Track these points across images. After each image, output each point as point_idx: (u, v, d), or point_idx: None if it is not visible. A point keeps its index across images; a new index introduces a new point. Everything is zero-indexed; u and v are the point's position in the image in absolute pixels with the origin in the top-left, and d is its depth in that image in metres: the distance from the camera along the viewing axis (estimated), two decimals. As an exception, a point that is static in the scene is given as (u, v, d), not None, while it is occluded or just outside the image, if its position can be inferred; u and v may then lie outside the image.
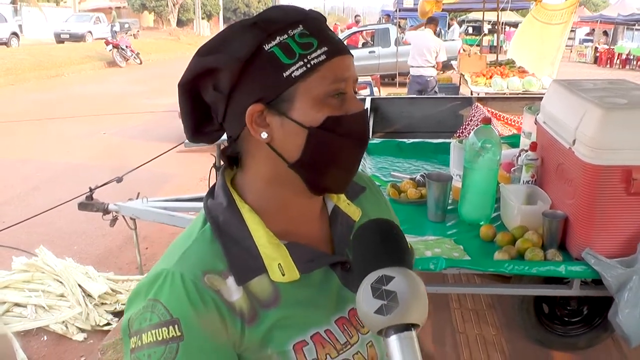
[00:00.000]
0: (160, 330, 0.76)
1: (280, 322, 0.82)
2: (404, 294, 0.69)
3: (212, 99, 0.82)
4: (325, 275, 0.88)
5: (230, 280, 0.80)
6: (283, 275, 0.83)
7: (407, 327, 0.69)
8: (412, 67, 8.42)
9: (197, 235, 0.84)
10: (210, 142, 0.89)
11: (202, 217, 0.86)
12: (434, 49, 8.12)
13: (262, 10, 0.84)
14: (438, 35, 11.15)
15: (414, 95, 7.92)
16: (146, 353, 0.76)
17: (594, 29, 28.66)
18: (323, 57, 0.78)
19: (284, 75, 0.77)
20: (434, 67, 8.23)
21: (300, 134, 0.80)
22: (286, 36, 0.78)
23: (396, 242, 0.76)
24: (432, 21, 8.51)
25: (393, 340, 0.69)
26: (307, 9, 0.85)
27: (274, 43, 0.78)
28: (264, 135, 0.80)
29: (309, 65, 0.78)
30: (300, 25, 0.79)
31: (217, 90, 0.80)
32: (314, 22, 0.81)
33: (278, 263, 0.83)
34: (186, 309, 0.76)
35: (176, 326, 0.76)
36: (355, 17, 24.20)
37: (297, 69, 0.77)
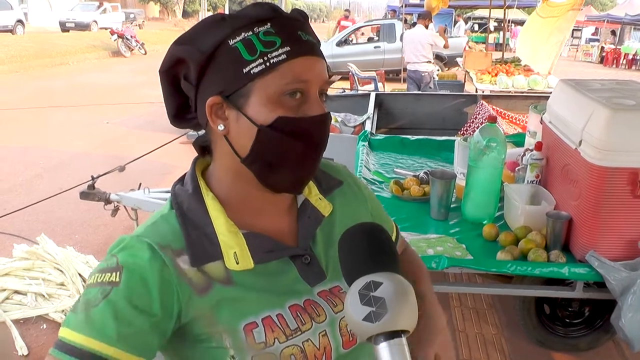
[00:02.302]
0: (103, 274, 0.80)
1: (233, 299, 0.83)
2: (393, 300, 0.68)
3: (185, 88, 0.85)
4: (284, 266, 0.89)
5: (185, 257, 0.83)
6: (237, 263, 0.84)
7: (397, 333, 0.68)
8: (408, 63, 8.47)
9: (162, 216, 0.88)
10: (193, 128, 0.91)
11: (169, 202, 0.90)
12: (426, 42, 8.11)
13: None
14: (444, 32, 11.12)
15: (419, 92, 7.90)
16: (85, 292, 0.80)
17: (597, 28, 28.52)
18: (283, 56, 0.79)
19: (244, 71, 0.79)
20: (429, 62, 8.21)
21: (252, 131, 0.81)
22: (251, 33, 0.80)
23: (383, 247, 0.75)
24: (423, 16, 8.48)
25: (383, 348, 0.68)
26: (292, 9, 0.87)
27: (238, 39, 0.80)
28: (221, 127, 0.83)
29: (268, 64, 0.79)
30: (268, 24, 0.80)
31: (187, 80, 0.84)
32: (284, 21, 0.82)
33: (234, 251, 0.84)
34: (133, 261, 0.80)
35: (118, 273, 0.79)
36: (345, 11, 23.88)
37: (256, 66, 0.79)
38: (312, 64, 0.82)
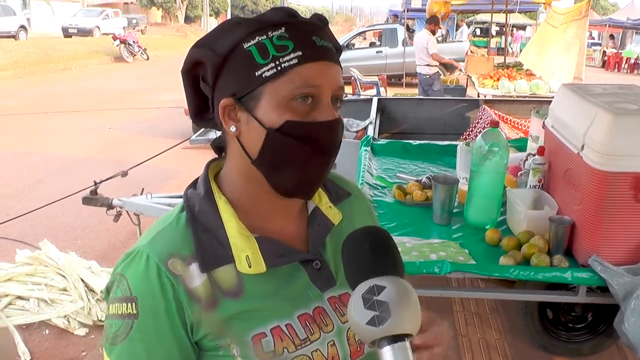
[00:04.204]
0: (121, 304, 0.82)
1: (241, 314, 0.84)
2: (396, 304, 0.68)
3: (203, 89, 0.87)
4: (295, 271, 0.89)
5: (194, 267, 0.83)
6: (249, 267, 0.85)
7: (400, 337, 0.68)
8: (417, 66, 8.64)
9: (172, 220, 0.88)
10: (212, 127, 0.92)
11: (180, 205, 0.90)
12: (423, 46, 8.22)
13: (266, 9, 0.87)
14: (445, 36, 11.17)
15: (420, 96, 7.93)
16: (110, 323, 0.83)
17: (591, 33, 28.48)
18: (294, 61, 0.80)
19: (256, 74, 0.80)
20: (427, 65, 8.29)
21: (261, 133, 0.82)
22: (265, 37, 0.80)
23: (387, 251, 0.75)
24: (430, 21, 8.58)
25: (386, 351, 0.68)
26: (312, 14, 0.88)
27: (252, 42, 0.80)
28: (233, 128, 0.84)
29: (279, 68, 0.79)
30: (283, 28, 0.81)
31: (205, 81, 0.85)
32: (299, 26, 0.82)
33: (246, 254, 0.85)
34: (144, 289, 0.81)
35: (133, 304, 0.81)
36: None
37: (268, 70, 0.80)
38: (325, 69, 0.82)
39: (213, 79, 0.83)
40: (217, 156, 0.95)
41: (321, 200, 0.97)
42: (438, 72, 8.60)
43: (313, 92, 0.81)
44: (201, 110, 0.90)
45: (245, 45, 0.80)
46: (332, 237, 0.95)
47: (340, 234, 0.95)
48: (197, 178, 0.93)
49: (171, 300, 0.81)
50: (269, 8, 0.87)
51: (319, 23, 0.85)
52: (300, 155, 0.83)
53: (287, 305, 0.87)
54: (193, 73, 0.86)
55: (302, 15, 0.88)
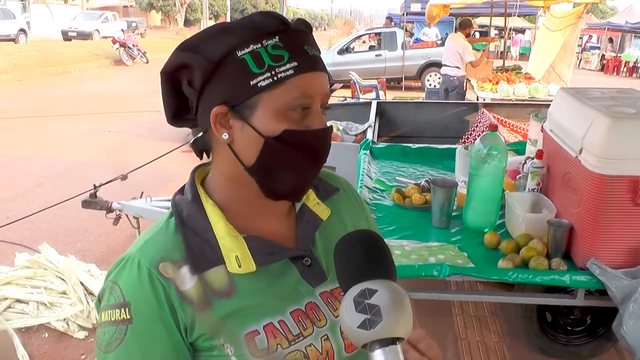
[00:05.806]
0: (113, 311, 0.83)
1: (234, 313, 0.85)
2: (388, 307, 0.68)
3: (187, 92, 0.86)
4: (285, 268, 0.91)
5: (185, 270, 0.84)
6: (239, 266, 0.86)
7: (392, 341, 0.69)
8: (442, 66, 8.65)
9: (161, 226, 0.89)
10: (190, 127, 0.92)
11: (170, 211, 0.92)
12: (455, 50, 8.25)
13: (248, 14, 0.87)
14: (444, 40, 11.21)
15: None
16: (103, 330, 0.84)
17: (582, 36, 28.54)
18: (291, 71, 0.81)
19: (251, 83, 0.81)
20: (457, 67, 8.32)
21: (258, 142, 0.83)
22: (259, 45, 0.81)
23: (379, 254, 0.76)
24: (463, 25, 8.66)
25: (378, 355, 0.68)
26: (296, 19, 0.88)
27: (246, 50, 0.81)
28: (225, 136, 0.84)
29: (275, 78, 0.80)
30: (277, 37, 0.81)
31: (191, 85, 0.84)
32: (292, 35, 0.83)
33: (235, 255, 0.86)
34: (137, 294, 0.82)
35: (127, 309, 0.82)
36: None
37: (263, 80, 0.80)
38: (317, 79, 0.84)
39: (201, 84, 0.83)
40: (203, 161, 0.95)
41: (308, 198, 0.98)
42: (465, 75, 8.65)
43: (308, 102, 0.83)
44: (180, 112, 0.90)
45: (239, 53, 0.80)
46: (321, 233, 0.97)
47: (329, 230, 0.98)
48: (185, 185, 0.94)
49: (164, 304, 0.82)
50: None
51: (305, 29, 0.86)
52: (296, 162, 0.85)
53: (278, 302, 0.88)
54: (174, 75, 0.86)
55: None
